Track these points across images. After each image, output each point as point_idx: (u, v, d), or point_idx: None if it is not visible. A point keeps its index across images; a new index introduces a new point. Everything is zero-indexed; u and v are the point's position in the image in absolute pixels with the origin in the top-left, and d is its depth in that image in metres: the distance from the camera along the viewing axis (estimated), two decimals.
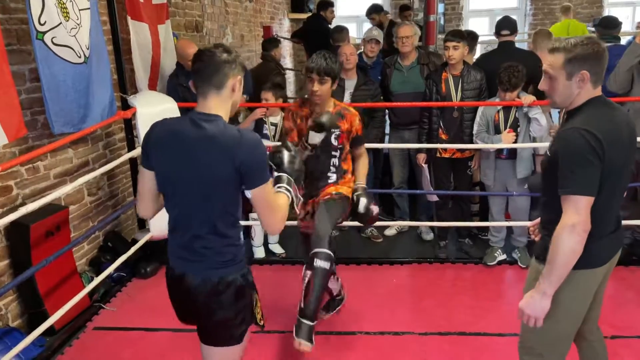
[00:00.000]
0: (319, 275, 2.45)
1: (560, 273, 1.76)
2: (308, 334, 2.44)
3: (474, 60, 4.55)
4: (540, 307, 1.81)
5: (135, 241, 3.78)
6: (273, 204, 1.85)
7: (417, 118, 4.03)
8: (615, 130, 1.79)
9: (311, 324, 2.45)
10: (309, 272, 2.48)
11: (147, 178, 1.88)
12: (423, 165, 3.99)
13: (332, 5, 7.19)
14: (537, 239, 2.09)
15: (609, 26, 4.44)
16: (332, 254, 2.50)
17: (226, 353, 1.94)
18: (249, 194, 1.80)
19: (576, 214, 1.72)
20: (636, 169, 3.64)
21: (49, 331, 2.99)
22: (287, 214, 1.92)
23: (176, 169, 1.79)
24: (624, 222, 3.89)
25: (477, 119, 3.76)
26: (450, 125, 3.85)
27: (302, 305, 2.47)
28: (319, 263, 2.46)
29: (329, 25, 6.92)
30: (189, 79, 4.15)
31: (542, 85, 1.88)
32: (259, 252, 4.17)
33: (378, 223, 4.45)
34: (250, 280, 1.93)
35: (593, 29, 6.84)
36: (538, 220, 2.10)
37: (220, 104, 1.81)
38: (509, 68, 3.56)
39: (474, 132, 3.77)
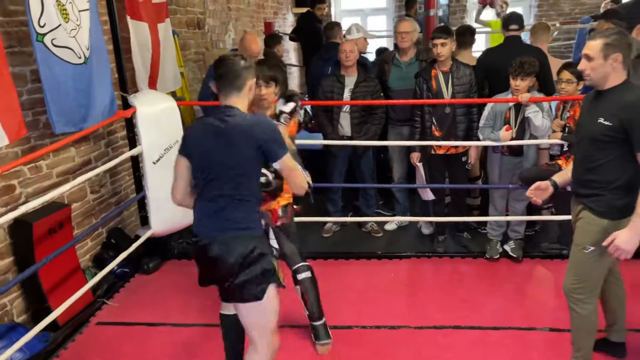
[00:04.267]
0: (306, 284, 2.88)
1: None
2: (324, 331, 2.95)
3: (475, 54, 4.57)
4: (634, 243, 2.21)
5: (137, 237, 3.85)
6: (296, 167, 2.26)
7: None
8: None
9: (322, 322, 2.95)
10: (298, 287, 2.89)
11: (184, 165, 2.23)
12: (417, 164, 4.01)
13: (321, 2, 7.14)
14: (538, 202, 2.61)
15: (618, 19, 4.44)
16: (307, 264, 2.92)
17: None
18: (277, 165, 2.16)
19: None
20: None
21: (53, 326, 3.08)
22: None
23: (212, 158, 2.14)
24: None
25: (485, 113, 3.79)
26: (443, 121, 3.86)
27: (308, 312, 2.93)
28: (302, 275, 2.87)
29: (320, 23, 6.91)
30: None
31: (581, 65, 2.32)
32: None
33: (378, 218, 4.54)
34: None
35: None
36: (537, 184, 2.59)
37: (239, 101, 2.18)
38: (520, 58, 3.56)
39: (480, 125, 3.80)
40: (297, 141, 4.30)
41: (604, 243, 2.26)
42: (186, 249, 4.21)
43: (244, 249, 2.11)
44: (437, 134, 3.90)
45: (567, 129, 3.57)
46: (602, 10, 6.96)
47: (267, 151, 2.13)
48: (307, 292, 2.87)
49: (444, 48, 3.72)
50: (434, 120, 3.88)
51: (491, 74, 4.12)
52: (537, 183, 2.62)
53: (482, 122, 3.79)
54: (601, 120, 2.27)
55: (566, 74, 3.57)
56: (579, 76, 3.50)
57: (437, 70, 3.84)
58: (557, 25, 8.55)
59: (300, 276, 2.86)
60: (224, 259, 2.11)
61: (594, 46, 2.25)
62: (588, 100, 2.47)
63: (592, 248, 2.35)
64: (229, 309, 2.48)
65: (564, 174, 2.63)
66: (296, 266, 2.86)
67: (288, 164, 2.19)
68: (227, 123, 2.12)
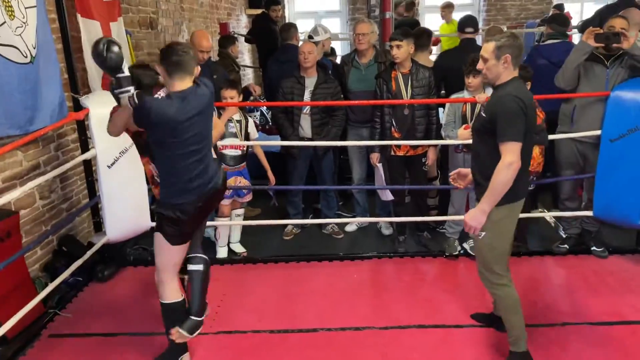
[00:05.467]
0: (194, 278, 2.77)
1: (497, 198, 2.46)
2: (194, 328, 2.72)
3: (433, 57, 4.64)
4: (480, 220, 2.51)
5: (91, 244, 3.70)
6: None
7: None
8: (531, 99, 2.52)
9: (198, 319, 2.74)
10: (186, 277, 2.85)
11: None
12: (377, 164, 4.03)
13: (276, 3, 7.07)
14: (460, 186, 2.87)
15: (565, 24, 4.61)
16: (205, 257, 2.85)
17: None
18: None
19: (512, 155, 2.40)
20: (583, 161, 3.80)
21: (2, 340, 2.91)
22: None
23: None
24: (573, 213, 4.06)
25: (446, 109, 3.85)
26: (402, 123, 3.90)
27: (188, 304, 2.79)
28: (192, 267, 2.78)
29: (275, 24, 6.86)
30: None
31: (479, 65, 2.57)
32: (222, 252, 4.15)
33: (339, 219, 4.53)
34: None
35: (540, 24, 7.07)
36: (457, 171, 2.87)
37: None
38: (473, 56, 3.64)
39: (443, 123, 3.86)
40: (257, 142, 4.29)
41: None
42: (142, 255, 4.08)
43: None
44: (396, 135, 3.93)
45: None
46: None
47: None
48: (193, 285, 2.76)
49: (399, 50, 3.76)
50: (393, 122, 3.91)
51: (448, 75, 4.21)
52: (459, 169, 2.88)
53: (444, 120, 3.86)
54: (482, 113, 2.57)
55: None
56: (524, 78, 3.62)
57: (397, 71, 3.87)
58: (505, 29, 8.84)
59: (191, 267, 2.77)
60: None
61: (487, 48, 2.49)
62: None
63: (484, 233, 2.57)
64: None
65: None
66: (191, 255, 2.77)
67: None
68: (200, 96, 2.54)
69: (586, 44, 3.52)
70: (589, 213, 3.79)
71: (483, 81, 2.63)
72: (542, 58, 4.34)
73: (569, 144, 3.79)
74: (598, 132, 3.59)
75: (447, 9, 8.29)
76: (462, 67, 3.70)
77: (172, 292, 2.70)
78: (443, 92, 4.42)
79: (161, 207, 2.60)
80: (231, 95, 3.93)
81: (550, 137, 3.70)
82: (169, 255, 2.66)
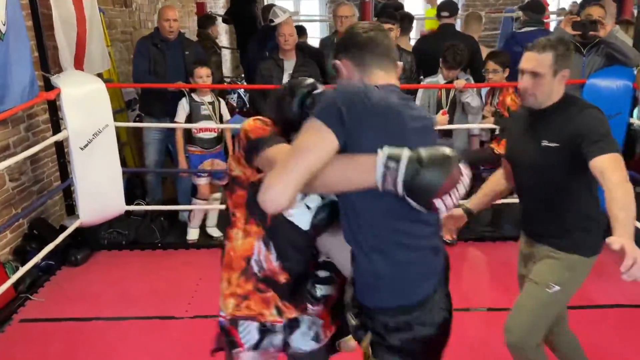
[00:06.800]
0: None
1: (634, 218, 1.65)
2: None
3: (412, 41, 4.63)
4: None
5: (63, 228, 3.63)
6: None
7: None
8: None
9: None
10: None
11: None
12: None
13: None
14: (450, 238, 2.25)
15: (539, 11, 4.63)
16: None
17: None
18: None
19: (621, 169, 1.75)
20: None
21: None
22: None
23: None
24: None
25: (419, 95, 3.85)
26: None
27: None
28: None
29: (254, 4, 6.76)
30: (164, 42, 4.12)
31: (525, 84, 1.91)
32: (193, 234, 4.05)
33: None
34: None
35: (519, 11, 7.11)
36: (450, 213, 2.09)
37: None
38: (452, 47, 3.66)
39: None
40: (233, 126, 4.23)
41: (622, 269, 1.46)
42: (117, 239, 4.01)
43: None
44: None
45: (497, 114, 3.70)
46: None
47: None
48: None
49: (390, 33, 3.74)
50: None
51: (425, 60, 4.20)
52: (450, 212, 2.05)
53: (418, 104, 3.86)
54: (545, 143, 1.93)
55: (491, 64, 3.70)
56: (503, 64, 3.66)
57: None
58: (484, 14, 8.86)
59: None
60: None
61: (543, 62, 1.87)
62: (519, 122, 2.10)
63: (557, 287, 2.01)
64: None
65: (478, 199, 2.24)
66: None
67: None
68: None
69: (563, 31, 3.55)
70: None
71: (526, 103, 1.98)
72: (519, 45, 4.37)
73: None
74: None
75: None
76: (437, 53, 3.72)
77: None
78: (421, 77, 4.42)
79: (399, 327, 1.44)
80: (207, 74, 3.86)
81: None
82: None
